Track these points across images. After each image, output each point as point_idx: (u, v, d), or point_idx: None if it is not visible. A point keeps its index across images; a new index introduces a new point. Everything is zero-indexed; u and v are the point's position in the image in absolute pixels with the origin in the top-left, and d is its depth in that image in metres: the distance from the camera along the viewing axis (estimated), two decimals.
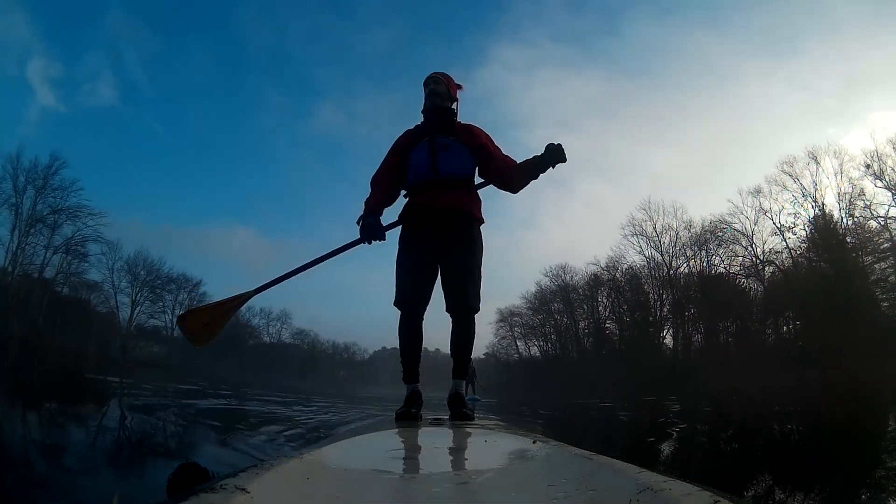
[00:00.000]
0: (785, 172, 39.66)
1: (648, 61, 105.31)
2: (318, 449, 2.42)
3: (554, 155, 4.52)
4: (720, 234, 42.91)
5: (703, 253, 44.18)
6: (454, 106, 4.98)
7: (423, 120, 4.99)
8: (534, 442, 2.68)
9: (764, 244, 40.75)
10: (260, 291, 4.81)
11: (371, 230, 4.59)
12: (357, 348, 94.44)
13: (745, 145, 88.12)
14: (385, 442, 3.10)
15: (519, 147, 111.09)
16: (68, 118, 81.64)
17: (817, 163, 38.56)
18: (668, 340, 45.97)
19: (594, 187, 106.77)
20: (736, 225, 41.71)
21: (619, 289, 48.99)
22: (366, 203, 4.78)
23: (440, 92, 4.85)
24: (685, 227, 45.39)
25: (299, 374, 66.86)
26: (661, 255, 46.07)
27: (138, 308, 55.71)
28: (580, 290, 52.48)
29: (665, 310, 46.11)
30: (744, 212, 41.16)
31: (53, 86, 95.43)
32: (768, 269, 40.49)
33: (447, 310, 4.68)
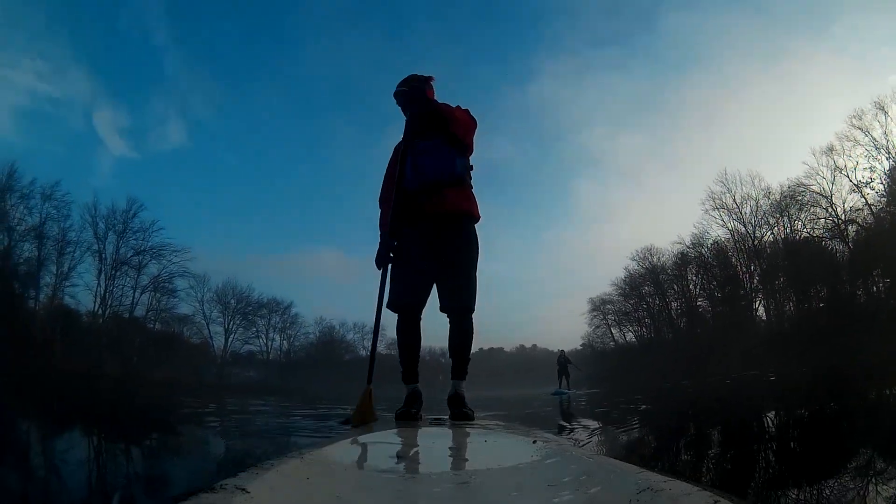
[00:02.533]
0: (854, 126, 37.37)
1: (689, 49, 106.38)
2: (318, 449, 2.43)
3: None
4: (799, 197, 41.11)
5: (786, 219, 42.69)
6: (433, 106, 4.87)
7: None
8: (534, 442, 2.70)
9: (844, 203, 38.87)
10: (370, 381, 4.86)
11: (384, 257, 4.73)
12: None
13: (808, 108, 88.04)
14: (385, 442, 3.11)
15: (575, 148, 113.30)
16: (141, 163, 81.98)
17: (885, 112, 36.15)
18: (761, 312, 44.31)
19: (661, 176, 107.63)
20: (813, 187, 40.01)
21: (707, 265, 47.76)
22: (380, 226, 4.94)
23: (405, 107, 4.88)
24: (764, 195, 43.76)
25: (396, 383, 67.51)
26: (744, 225, 44.59)
27: (232, 335, 57.14)
28: (669, 271, 51.37)
29: (755, 281, 44.57)
30: (819, 172, 39.34)
31: (122, 135, 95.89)
32: (851, 229, 38.46)
33: (441, 310, 4.72)
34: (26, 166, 46.00)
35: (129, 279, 46.50)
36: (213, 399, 18.12)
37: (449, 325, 4.77)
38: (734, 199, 45.14)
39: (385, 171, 5.06)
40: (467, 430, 3.70)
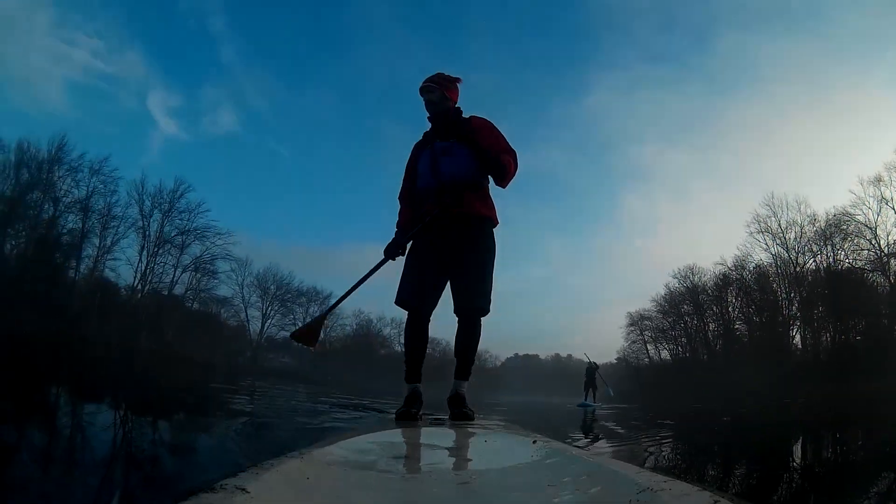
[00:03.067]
0: None
1: (742, 70, 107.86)
2: (318, 449, 2.43)
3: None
4: (844, 227, 40.76)
5: (829, 248, 42.16)
6: (455, 104, 5.00)
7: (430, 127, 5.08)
8: (534, 442, 2.71)
9: (888, 235, 38.37)
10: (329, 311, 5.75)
11: (393, 248, 4.77)
12: (489, 356, 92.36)
13: (860, 137, 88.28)
14: (385, 442, 3.10)
15: (624, 161, 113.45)
16: (191, 145, 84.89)
17: None
18: (798, 340, 43.61)
19: (708, 195, 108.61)
20: (859, 216, 39.52)
21: (748, 288, 47.32)
22: (397, 224, 5.02)
23: (434, 100, 4.88)
24: (810, 222, 43.36)
25: (433, 383, 68.10)
26: (787, 251, 44.21)
27: (269, 321, 57.76)
28: (709, 291, 51.01)
29: (794, 308, 44.07)
30: (866, 202, 38.89)
31: (175, 116, 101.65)
32: (894, 263, 37.98)
33: (455, 311, 4.71)
34: (77, 140, 46.91)
35: (171, 258, 47.36)
36: (244, 383, 18.20)
37: (458, 326, 4.77)
38: (779, 224, 44.83)
39: (405, 169, 5.10)
40: (467, 430, 3.73)
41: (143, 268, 45.65)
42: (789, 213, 44.32)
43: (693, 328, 53.47)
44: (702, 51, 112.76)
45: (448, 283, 4.76)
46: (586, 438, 7.61)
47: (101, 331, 38.61)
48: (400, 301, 4.75)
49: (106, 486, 2.67)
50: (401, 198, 5.10)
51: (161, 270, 47.11)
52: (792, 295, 44.29)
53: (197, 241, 48.13)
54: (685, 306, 53.81)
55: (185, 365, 29.00)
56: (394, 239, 4.83)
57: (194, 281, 49.75)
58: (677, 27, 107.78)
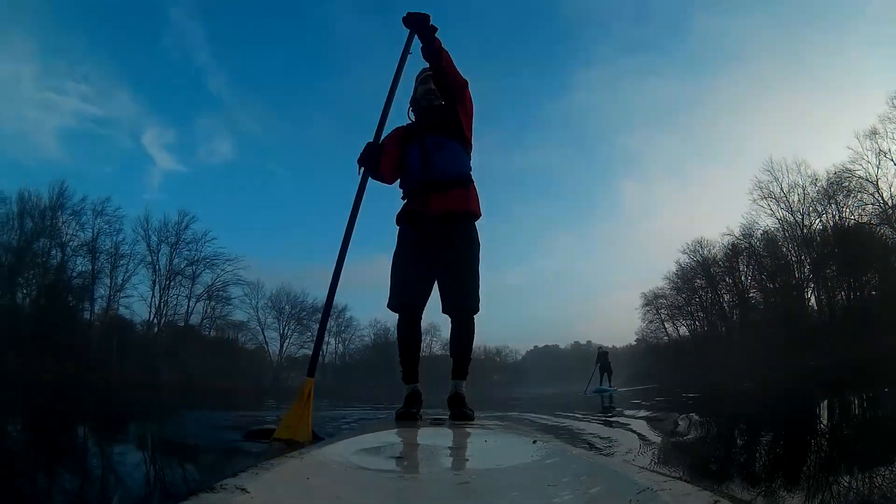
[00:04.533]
0: (895, 107, 36.53)
1: (720, 49, 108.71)
2: (318, 449, 2.45)
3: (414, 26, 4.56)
4: (846, 183, 40.36)
5: (833, 206, 41.73)
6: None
7: (414, 118, 5.06)
8: (534, 442, 2.70)
9: (891, 187, 38.06)
10: (312, 369, 4.33)
11: (371, 154, 4.59)
12: (509, 350, 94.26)
13: (849, 92, 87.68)
14: (385, 442, 3.11)
15: (617, 150, 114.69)
16: (191, 176, 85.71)
17: None
18: (813, 302, 42.94)
19: (706, 170, 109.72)
20: (859, 172, 39.21)
21: (758, 255, 46.83)
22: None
23: (435, 92, 4.89)
24: (811, 182, 43.09)
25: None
26: (792, 214, 43.84)
27: (287, 340, 58.34)
28: (720, 263, 50.60)
29: (806, 270, 43.56)
30: (864, 157, 38.48)
31: (171, 150, 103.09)
32: None
33: (444, 311, 4.71)
34: (77, 185, 47.86)
35: (183, 289, 48.19)
36: (268, 404, 18.22)
37: (451, 326, 4.77)
38: (781, 188, 44.38)
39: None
40: (467, 430, 3.72)
41: (157, 302, 46.50)
42: (790, 175, 44.07)
43: (708, 301, 53.06)
44: (678, 36, 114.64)
45: (436, 282, 4.73)
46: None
47: (120, 369, 38.90)
48: (394, 305, 4.73)
49: None
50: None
51: (175, 302, 48.02)
52: (802, 257, 43.71)
53: (207, 270, 48.96)
54: (698, 280, 53.42)
55: (209, 394, 29.10)
56: (367, 147, 4.63)
57: (209, 309, 50.54)
58: (652, 17, 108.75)
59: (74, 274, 42.74)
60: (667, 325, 59.92)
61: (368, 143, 4.65)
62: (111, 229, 43.83)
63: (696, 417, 6.87)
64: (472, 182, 4.85)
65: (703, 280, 52.60)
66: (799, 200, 43.81)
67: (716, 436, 5.66)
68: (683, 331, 57.93)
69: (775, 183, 44.54)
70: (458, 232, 4.66)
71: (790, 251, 44.93)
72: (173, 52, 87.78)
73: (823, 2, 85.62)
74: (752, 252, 47.41)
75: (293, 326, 57.85)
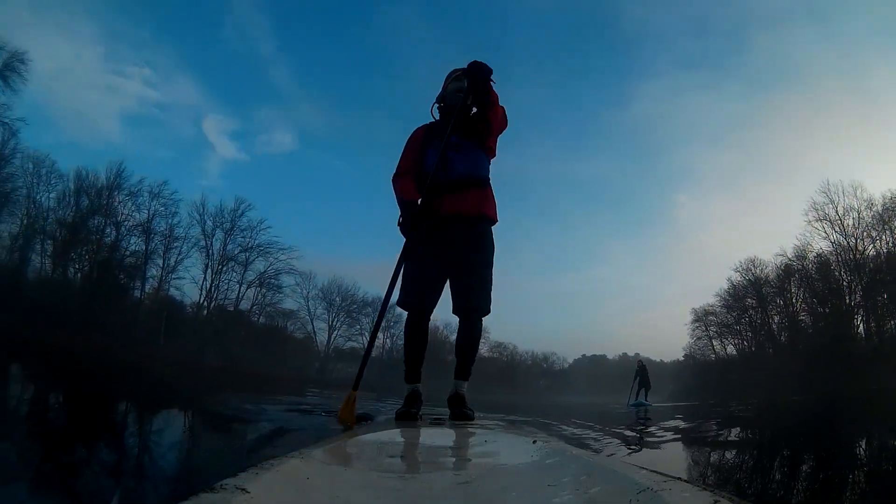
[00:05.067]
0: None
1: (780, 67, 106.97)
2: (318, 449, 2.44)
3: (474, 78, 4.50)
4: None
5: (888, 232, 41.22)
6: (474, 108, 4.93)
7: (438, 117, 5.03)
8: (534, 442, 2.70)
9: None
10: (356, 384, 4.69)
11: (411, 223, 4.64)
12: (556, 357, 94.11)
13: None
14: (385, 442, 3.12)
15: (674, 164, 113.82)
16: (250, 164, 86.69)
17: None
18: (862, 329, 42.00)
19: (762, 188, 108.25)
20: None
21: (810, 278, 46.09)
22: (402, 195, 4.80)
23: (471, 85, 4.70)
24: (867, 206, 42.30)
25: (499, 385, 68.55)
26: (846, 238, 43.00)
27: (335, 332, 59.08)
28: (772, 283, 49.88)
29: (857, 296, 42.63)
30: None
31: (231, 138, 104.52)
32: None
33: (454, 311, 4.74)
34: (135, 167, 48.84)
35: (235, 274, 48.83)
36: (310, 394, 18.26)
37: (458, 326, 4.79)
38: (836, 211, 43.55)
39: (406, 147, 4.99)
40: (467, 430, 3.72)
41: (209, 285, 47.19)
42: (846, 199, 43.12)
43: (757, 322, 52.24)
44: (737, 52, 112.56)
45: (447, 283, 4.76)
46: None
47: (167, 348, 39.58)
48: (404, 303, 4.76)
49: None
50: (401, 173, 4.91)
51: (226, 287, 48.75)
52: (854, 283, 42.69)
53: (260, 258, 49.42)
54: (749, 300, 52.57)
55: (252, 379, 29.42)
56: (405, 214, 4.71)
57: (259, 296, 51.10)
58: (711, 33, 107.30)
59: (128, 253, 43.74)
60: (714, 343, 59.12)
61: (408, 209, 4.73)
62: (167, 212, 44.81)
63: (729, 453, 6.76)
64: (490, 186, 4.85)
65: (755, 300, 51.72)
66: (853, 224, 42.98)
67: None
68: (731, 349, 57.19)
69: (831, 205, 43.75)
70: (471, 234, 4.68)
71: (842, 276, 43.89)
72: (237, 42, 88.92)
73: (887, 24, 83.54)
74: (804, 274, 46.51)
75: (342, 318, 58.39)
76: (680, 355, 64.68)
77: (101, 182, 42.02)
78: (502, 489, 1.91)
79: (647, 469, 1.67)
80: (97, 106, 77.77)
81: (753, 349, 52.79)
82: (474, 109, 4.90)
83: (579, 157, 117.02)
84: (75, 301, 37.08)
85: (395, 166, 4.99)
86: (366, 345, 56.49)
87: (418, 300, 4.73)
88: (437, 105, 5.04)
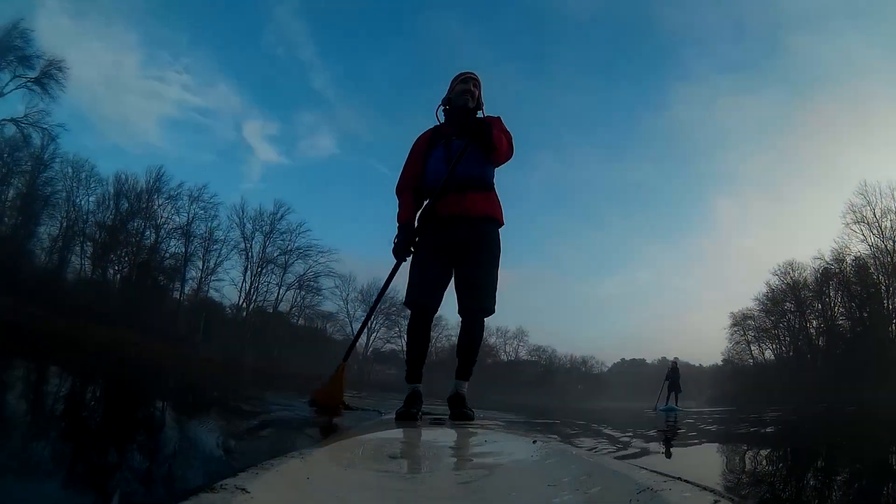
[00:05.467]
0: None
1: (817, 69, 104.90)
2: (318, 449, 2.42)
3: (465, 128, 4.66)
4: None
5: None
6: (480, 111, 4.95)
7: (444, 119, 4.99)
8: (534, 442, 2.71)
9: None
10: (346, 358, 5.34)
11: (403, 248, 4.75)
12: (595, 361, 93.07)
13: None
14: (385, 442, 3.11)
15: (712, 167, 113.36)
16: (290, 168, 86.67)
17: None
18: None
19: (801, 191, 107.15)
20: None
21: (847, 282, 45.26)
22: (398, 219, 4.90)
23: (475, 95, 4.89)
24: None
25: (536, 388, 68.55)
26: (883, 241, 42.29)
27: (374, 334, 59.02)
28: (810, 287, 49.03)
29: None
30: None
31: (272, 142, 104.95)
32: None
33: (459, 311, 4.74)
34: (175, 170, 49.83)
35: (274, 276, 49.22)
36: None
37: (461, 326, 4.80)
38: (874, 213, 42.78)
39: (408, 159, 5.04)
40: (467, 430, 3.72)
41: (248, 287, 47.69)
42: (883, 201, 42.34)
43: (795, 326, 51.30)
44: (774, 55, 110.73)
45: (452, 283, 4.78)
46: None
47: (206, 349, 39.99)
48: (411, 303, 4.77)
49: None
50: (402, 189, 4.98)
51: (265, 289, 49.19)
52: (893, 287, 41.82)
53: (300, 260, 49.91)
54: (787, 304, 51.63)
55: (292, 379, 29.62)
56: (400, 237, 4.79)
57: (298, 298, 51.51)
58: (748, 36, 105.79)
59: (167, 255, 44.43)
60: (752, 348, 58.17)
61: (403, 233, 4.83)
62: (206, 215, 45.40)
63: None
64: (494, 190, 4.88)
65: (793, 304, 50.82)
66: (892, 227, 42.23)
67: None
68: (769, 354, 56.27)
69: (868, 207, 43.01)
70: (476, 234, 4.68)
71: (880, 279, 43.08)
72: (277, 47, 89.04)
73: None
74: (841, 278, 45.66)
75: (381, 321, 58.03)
76: (718, 360, 63.95)
77: (140, 186, 42.76)
78: (502, 489, 1.91)
79: (647, 469, 1.68)
80: (138, 111, 78.89)
81: (791, 354, 51.90)
82: (480, 113, 4.93)
83: (620, 161, 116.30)
84: (115, 302, 37.63)
85: (399, 176, 5.07)
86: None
87: (428, 301, 4.73)
88: (442, 107, 5.03)
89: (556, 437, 4.83)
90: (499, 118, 4.97)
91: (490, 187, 4.85)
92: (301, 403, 7.00)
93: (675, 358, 31.42)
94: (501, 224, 4.87)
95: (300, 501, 1.64)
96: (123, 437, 3.55)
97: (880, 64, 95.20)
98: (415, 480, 2.18)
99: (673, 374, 29.11)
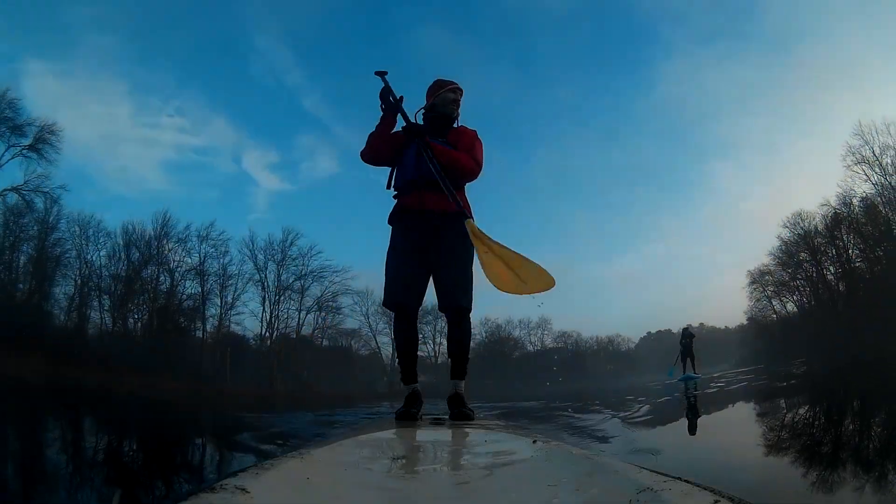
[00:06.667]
0: None
1: (796, 24, 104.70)
2: (318, 449, 2.45)
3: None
4: None
5: None
6: (456, 117, 5.09)
7: (423, 121, 5.04)
8: (534, 442, 2.70)
9: None
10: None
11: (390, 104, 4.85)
12: (622, 339, 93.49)
13: None
14: (385, 442, 3.12)
15: (710, 136, 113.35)
16: (296, 193, 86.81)
17: None
18: None
19: (800, 144, 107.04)
20: None
21: (858, 223, 44.70)
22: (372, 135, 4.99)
23: (456, 105, 5.01)
24: None
25: (567, 374, 70.28)
26: (886, 177, 41.89)
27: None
28: (822, 234, 48.18)
29: None
30: None
31: (272, 170, 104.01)
32: None
33: (440, 309, 4.75)
34: (181, 212, 49.95)
35: (293, 302, 49.43)
36: (381, 407, 18.45)
37: (447, 325, 4.84)
38: (873, 151, 42.33)
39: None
40: (467, 430, 3.71)
41: (268, 316, 47.91)
42: (880, 138, 42.07)
43: (813, 275, 50.74)
44: (752, 17, 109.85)
45: (431, 280, 4.78)
46: None
47: (234, 381, 40.68)
48: (389, 303, 4.78)
49: None
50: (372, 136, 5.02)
51: (286, 315, 49.24)
52: None
53: (315, 283, 49.93)
54: (802, 254, 51.00)
55: (324, 399, 29.92)
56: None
57: (320, 319, 51.75)
58: (723, 3, 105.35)
59: (185, 296, 45.00)
60: (774, 303, 57.83)
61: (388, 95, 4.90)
62: (217, 252, 45.76)
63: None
64: (463, 190, 4.90)
65: (807, 253, 50.35)
66: (893, 163, 41.74)
67: None
68: (791, 307, 55.90)
69: (867, 147, 42.60)
70: (448, 232, 4.68)
71: (891, 216, 42.43)
72: (265, 77, 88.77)
73: None
74: (852, 220, 45.22)
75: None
76: (743, 320, 63.73)
77: (148, 233, 43.31)
78: (502, 489, 1.92)
79: (647, 469, 1.69)
80: (136, 159, 79.11)
81: (812, 303, 51.56)
82: (456, 123, 5.10)
83: (618, 145, 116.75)
84: (139, 349, 38.15)
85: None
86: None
87: (407, 299, 4.73)
88: (422, 112, 5.09)
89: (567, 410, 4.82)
90: (474, 132, 5.03)
91: (461, 187, 4.87)
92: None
93: (688, 325, 31.06)
94: (472, 220, 4.79)
95: (300, 501, 1.64)
96: None
97: (853, 4, 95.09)
98: (414, 480, 2.18)
99: (686, 340, 29.18)
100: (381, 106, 4.92)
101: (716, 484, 1.50)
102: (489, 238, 4.29)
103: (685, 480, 1.48)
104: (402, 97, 4.88)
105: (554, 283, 4.08)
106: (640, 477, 1.54)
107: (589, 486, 1.68)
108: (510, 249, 4.19)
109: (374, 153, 5.01)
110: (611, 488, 1.58)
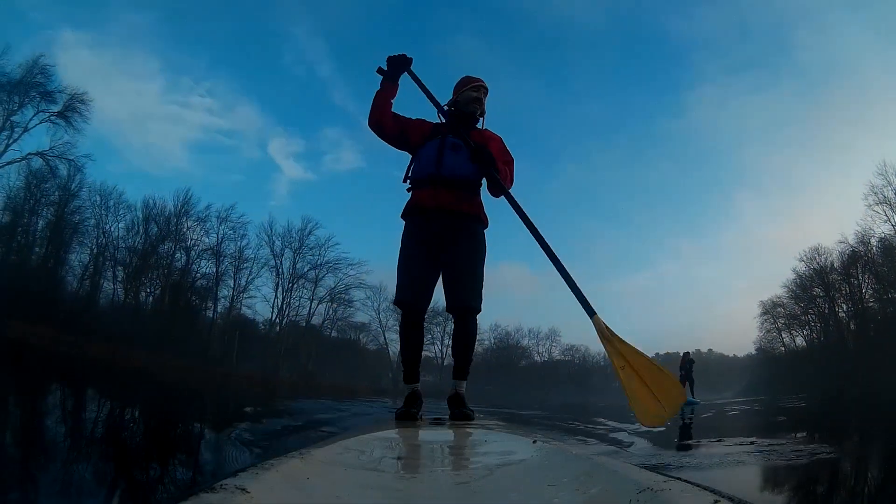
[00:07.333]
0: None
1: (823, 62, 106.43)
2: (318, 449, 2.42)
3: (479, 158, 4.55)
4: None
5: None
6: (481, 119, 5.02)
7: (444, 119, 4.97)
8: (534, 442, 2.68)
9: None
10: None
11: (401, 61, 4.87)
12: None
13: None
14: (385, 442, 3.07)
15: (733, 165, 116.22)
16: (318, 184, 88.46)
17: None
18: None
19: (823, 179, 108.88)
20: None
21: (874, 263, 44.71)
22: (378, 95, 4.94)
23: (482, 103, 4.95)
24: None
25: (573, 387, 69.60)
26: None
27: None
28: (837, 271, 48.47)
29: None
30: None
31: (297, 159, 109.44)
32: None
33: (447, 310, 4.76)
34: (202, 192, 50.47)
35: (306, 291, 50.11)
36: (384, 401, 18.37)
37: (454, 326, 4.84)
38: (895, 192, 42.04)
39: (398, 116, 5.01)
40: (467, 430, 3.71)
41: (280, 303, 48.56)
42: None
43: (825, 311, 50.95)
44: (780, 51, 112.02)
45: (440, 281, 4.75)
46: None
47: (241, 365, 40.88)
48: (400, 301, 4.75)
49: None
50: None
51: (297, 304, 50.08)
52: None
53: (330, 274, 50.56)
54: (816, 289, 51.35)
55: (327, 390, 29.92)
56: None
57: (330, 311, 52.56)
58: (754, 36, 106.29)
59: (199, 275, 45.53)
60: (783, 336, 58.08)
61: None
62: (235, 235, 46.55)
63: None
64: (479, 195, 4.86)
65: (821, 288, 50.60)
66: None
67: None
68: (800, 341, 56.16)
69: (889, 188, 42.55)
70: (462, 232, 4.67)
71: None
72: (296, 66, 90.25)
73: None
74: (868, 260, 45.39)
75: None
76: (751, 349, 63.69)
77: (169, 209, 43.78)
78: (502, 489, 1.90)
79: (647, 469, 1.70)
80: (163, 136, 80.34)
81: (822, 339, 51.64)
82: (481, 122, 5.04)
83: (643, 165, 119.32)
84: (149, 325, 38.34)
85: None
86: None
87: (417, 299, 4.72)
88: (447, 107, 5.03)
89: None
90: (500, 138, 5.00)
91: (475, 190, 4.84)
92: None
93: (688, 352, 31.39)
94: (486, 225, 4.89)
95: (300, 501, 1.63)
96: None
97: (883, 47, 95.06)
98: (414, 481, 2.16)
99: (687, 366, 29.39)
100: (378, 69, 4.93)
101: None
102: (620, 340, 3.59)
103: (685, 480, 1.49)
104: (411, 58, 4.91)
105: (686, 398, 3.56)
106: (639, 477, 1.54)
107: (589, 486, 1.67)
108: (642, 355, 3.52)
109: (375, 123, 4.93)
110: (611, 488, 1.58)
